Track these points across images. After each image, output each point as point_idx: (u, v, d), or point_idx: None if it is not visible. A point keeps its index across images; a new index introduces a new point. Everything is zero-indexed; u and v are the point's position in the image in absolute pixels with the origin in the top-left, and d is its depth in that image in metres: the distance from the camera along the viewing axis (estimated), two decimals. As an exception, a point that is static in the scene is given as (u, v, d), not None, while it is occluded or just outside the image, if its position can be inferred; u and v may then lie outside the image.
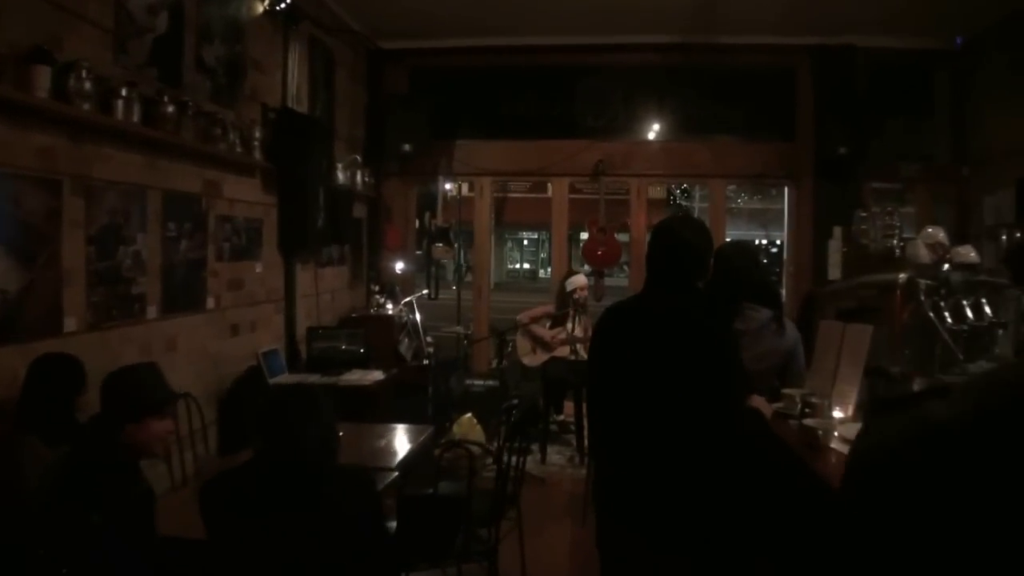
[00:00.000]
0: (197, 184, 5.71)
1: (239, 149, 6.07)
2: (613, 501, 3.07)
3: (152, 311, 5.17)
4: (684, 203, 31.92)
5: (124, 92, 4.63)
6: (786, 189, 9.68)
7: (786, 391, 3.75)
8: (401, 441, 4.81)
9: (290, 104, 7.05)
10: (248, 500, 2.68)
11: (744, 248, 4.42)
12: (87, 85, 4.30)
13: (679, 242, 3.10)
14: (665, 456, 2.88)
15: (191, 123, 5.37)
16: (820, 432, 3.23)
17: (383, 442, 4.78)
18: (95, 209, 4.58)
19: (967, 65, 8.82)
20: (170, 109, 5.06)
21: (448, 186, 11.76)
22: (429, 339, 8.49)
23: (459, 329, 9.66)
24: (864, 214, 7.90)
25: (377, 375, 6.77)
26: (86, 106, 4.31)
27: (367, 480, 2.98)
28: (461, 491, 4.36)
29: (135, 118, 4.75)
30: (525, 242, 42.69)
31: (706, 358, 2.89)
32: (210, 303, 5.92)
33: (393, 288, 8.87)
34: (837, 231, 9.07)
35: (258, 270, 6.66)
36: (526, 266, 42.45)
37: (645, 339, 2.99)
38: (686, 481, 2.85)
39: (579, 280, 8.36)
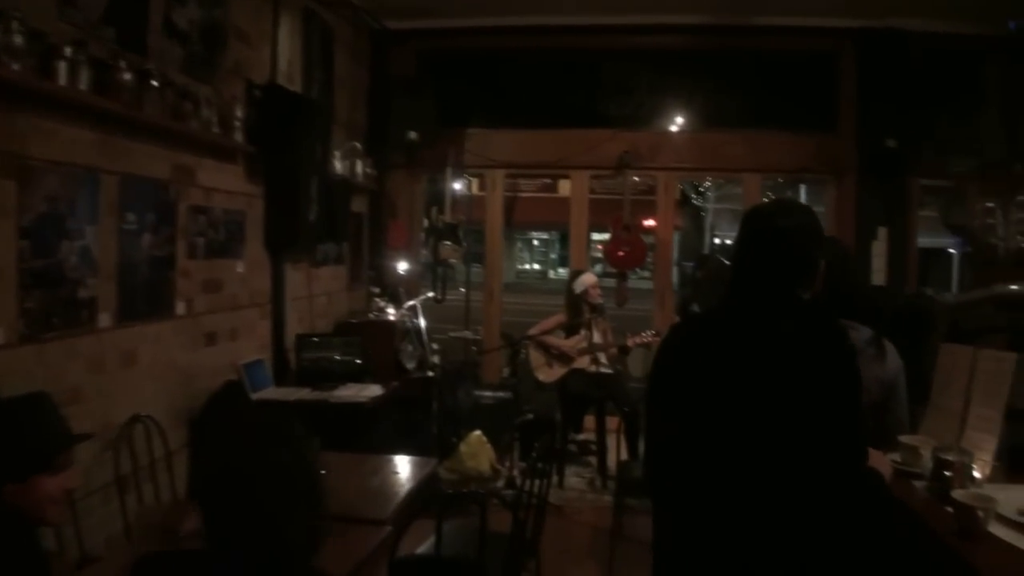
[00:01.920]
0: (164, 169, 4.89)
1: (216, 129, 5.25)
2: None
3: (105, 319, 4.35)
4: (699, 204, 31.14)
5: (68, 53, 3.83)
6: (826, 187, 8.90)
7: (906, 440, 2.86)
8: (398, 479, 3.97)
9: (281, 83, 6.24)
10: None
11: (833, 247, 3.47)
12: (18, 40, 3.49)
13: (778, 235, 2.30)
14: (763, 539, 2.08)
15: (157, 96, 4.56)
16: (980, 512, 2.28)
17: (376, 480, 3.94)
18: (30, 194, 3.76)
19: (1022, 51, 7.98)
20: (127, 76, 4.25)
21: (458, 185, 11.06)
22: (435, 346, 7.70)
23: (468, 334, 8.89)
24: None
25: (374, 390, 5.95)
26: (16, 66, 3.50)
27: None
28: (468, 548, 3.51)
29: (83, 85, 3.94)
30: (535, 242, 42.39)
31: (825, 399, 2.13)
32: (180, 308, 5.10)
33: (396, 290, 8.05)
34: (882, 232, 8.33)
35: (240, 270, 5.84)
36: (536, 267, 42.18)
37: (736, 371, 2.21)
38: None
39: (588, 279, 7.55)
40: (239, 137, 5.54)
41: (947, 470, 2.56)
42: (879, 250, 8.29)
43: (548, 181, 27.87)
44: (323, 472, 1.99)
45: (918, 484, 2.71)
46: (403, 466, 4.21)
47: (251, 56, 5.95)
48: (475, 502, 3.43)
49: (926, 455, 2.75)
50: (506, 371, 8.64)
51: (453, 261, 8.57)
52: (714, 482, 2.20)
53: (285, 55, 6.34)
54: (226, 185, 5.61)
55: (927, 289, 9.71)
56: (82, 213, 4.14)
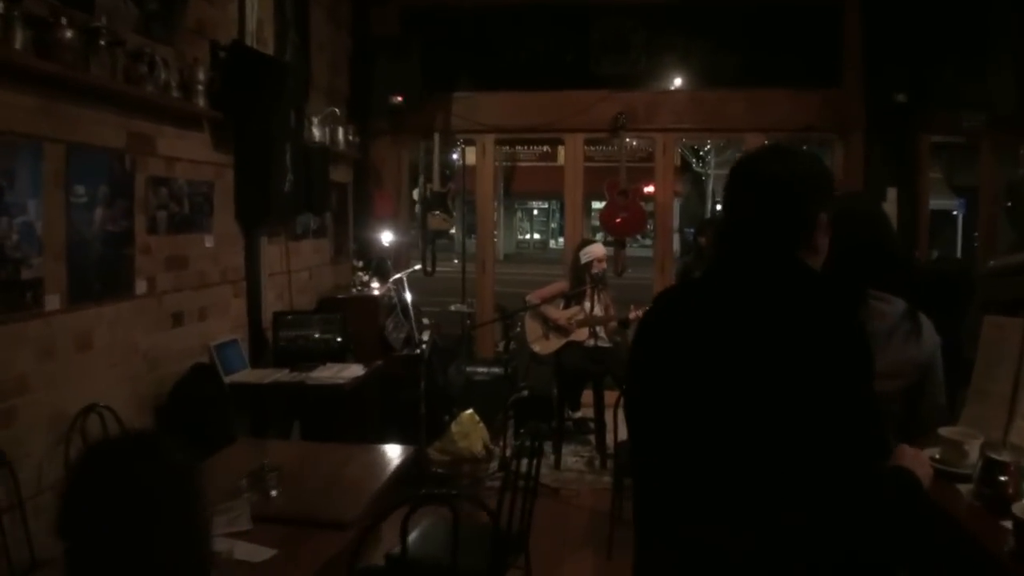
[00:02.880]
0: (118, 137, 4.48)
1: (176, 94, 4.86)
2: None
3: (53, 301, 3.97)
4: (699, 170, 30.68)
5: (0, 9, 3.45)
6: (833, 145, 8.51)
7: (947, 433, 2.40)
8: (372, 472, 3.61)
9: (249, 43, 5.83)
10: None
11: (864, 204, 3.00)
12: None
13: (766, 183, 1.92)
14: (746, 548, 1.73)
15: (106, 57, 4.17)
16: None
17: (346, 473, 3.58)
18: (-42, 166, 3.40)
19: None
20: (69, 35, 3.85)
21: (455, 155, 10.70)
22: (426, 320, 7.35)
23: (462, 307, 8.54)
24: None
25: (355, 370, 5.59)
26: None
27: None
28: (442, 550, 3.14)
29: (17, 44, 3.56)
30: (535, 212, 42.21)
31: (821, 382, 1.71)
32: (141, 287, 4.71)
33: (383, 264, 7.66)
34: (891, 193, 7.97)
35: (208, 245, 5.45)
36: (536, 236, 41.96)
37: (713, 344, 1.83)
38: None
39: (596, 250, 7.15)
40: (202, 102, 5.14)
41: (1001, 474, 2.09)
42: (889, 212, 7.91)
43: (547, 149, 27.54)
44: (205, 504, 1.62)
45: (963, 488, 2.24)
46: (378, 455, 3.86)
47: (216, 15, 5.54)
48: (446, 503, 3.04)
49: (972, 453, 2.29)
50: (501, 345, 8.30)
51: (451, 232, 8.24)
52: (690, 492, 1.83)
53: (254, 14, 5.93)
54: (190, 154, 5.21)
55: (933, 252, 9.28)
56: (22, 186, 3.75)
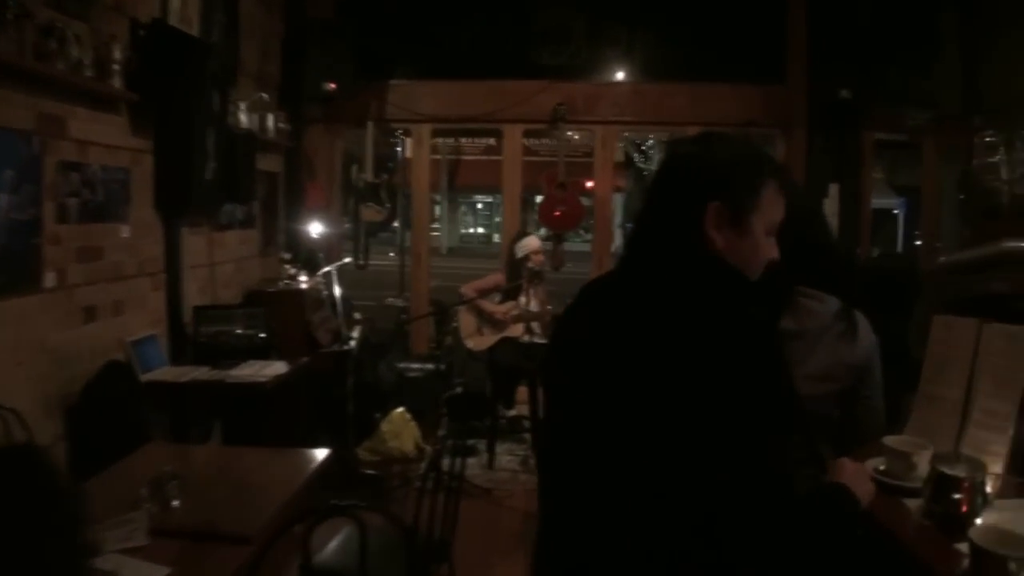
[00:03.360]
0: (24, 118, 4.19)
1: (90, 73, 4.58)
2: None
3: (-51, 294, 3.71)
4: (642, 165, 30.59)
5: None
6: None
7: (893, 442, 2.13)
8: (284, 479, 3.37)
9: (173, 22, 5.55)
10: None
11: (798, 198, 2.73)
12: None
13: (678, 163, 1.78)
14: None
15: (14, 31, 3.90)
16: (1013, 565, 1.53)
17: (256, 480, 3.35)
18: None
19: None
20: (-42, 5, 3.59)
21: (398, 148, 10.48)
22: (358, 315, 7.12)
23: (397, 301, 8.33)
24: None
25: (278, 368, 5.34)
26: None
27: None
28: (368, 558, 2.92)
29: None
30: (479, 206, 42.03)
31: (721, 388, 1.53)
32: (49, 280, 4.41)
33: (313, 256, 7.39)
34: (833, 189, 7.92)
35: (125, 235, 5.16)
36: (480, 231, 41.77)
37: (614, 350, 1.65)
38: None
39: (531, 243, 6.98)
40: (118, 83, 4.85)
41: (954, 490, 1.85)
42: (830, 209, 7.86)
43: (492, 143, 27.33)
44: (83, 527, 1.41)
45: (911, 504, 1.98)
46: (294, 459, 3.63)
47: (135, -9, 5.26)
48: (350, 516, 2.83)
49: (921, 464, 2.04)
50: (436, 341, 8.10)
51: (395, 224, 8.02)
52: (586, 502, 1.67)
53: (178, -8, 5.65)
54: (105, 138, 4.92)
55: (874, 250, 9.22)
56: (-90, 169, 3.48)
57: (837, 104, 7.64)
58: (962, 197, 6.48)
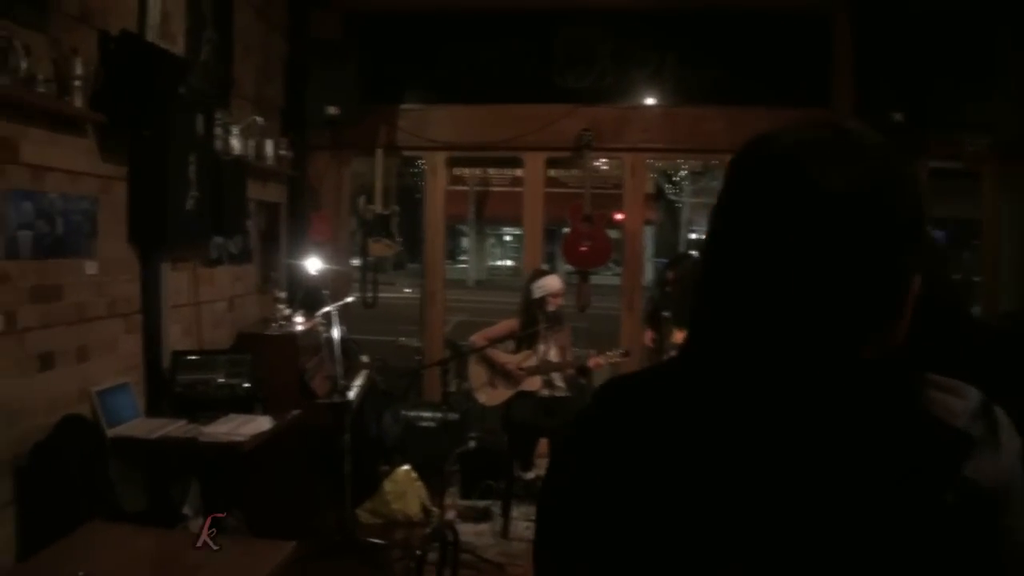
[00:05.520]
0: (-37, 140, 3.67)
1: (43, 89, 4.04)
2: None
3: None
4: (673, 197, 30.09)
5: None
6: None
7: None
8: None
9: (151, 38, 5.01)
10: None
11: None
12: None
13: (816, 214, 0.99)
14: None
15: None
16: None
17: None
18: None
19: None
20: None
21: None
22: (364, 358, 6.56)
23: (410, 341, 7.80)
24: None
25: (261, 424, 4.75)
26: None
27: None
28: None
29: None
30: (508, 238, 41.99)
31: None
32: (-5, 324, 3.87)
33: (315, 294, 6.80)
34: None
35: (91, 271, 4.58)
36: (509, 263, 41.61)
37: (740, 506, 1.01)
38: None
39: (551, 284, 6.36)
40: (79, 101, 4.31)
41: None
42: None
43: (519, 174, 27.10)
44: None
45: None
46: (250, 555, 3.00)
47: (107, 1, 4.72)
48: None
49: None
50: (452, 386, 7.49)
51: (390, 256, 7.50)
52: None
53: (157, 4, 5.11)
54: (67, 163, 4.36)
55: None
56: None
57: (889, 128, 7.03)
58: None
